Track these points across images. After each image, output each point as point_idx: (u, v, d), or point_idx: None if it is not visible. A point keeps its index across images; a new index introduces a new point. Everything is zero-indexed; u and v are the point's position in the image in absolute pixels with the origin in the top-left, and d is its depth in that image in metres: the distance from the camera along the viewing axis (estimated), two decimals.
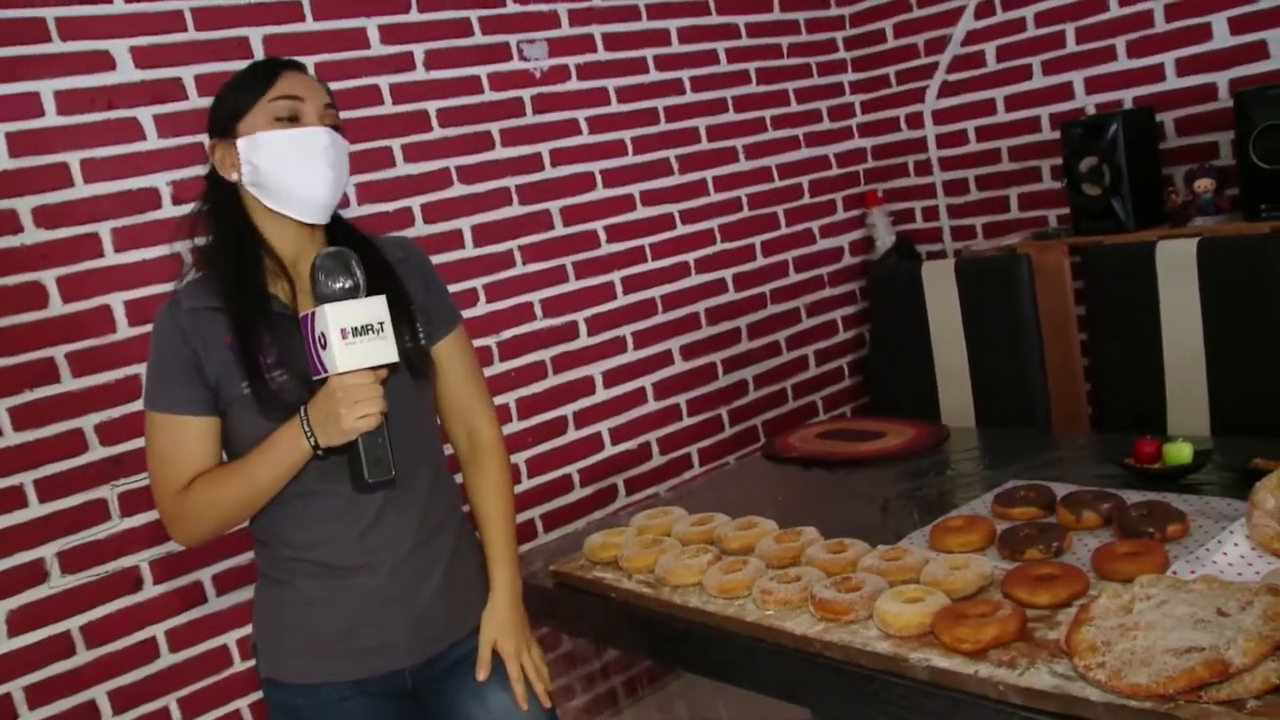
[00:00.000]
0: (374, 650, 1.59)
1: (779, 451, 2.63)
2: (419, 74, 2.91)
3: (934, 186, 3.89)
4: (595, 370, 3.25)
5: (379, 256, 1.62)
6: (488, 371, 3.00)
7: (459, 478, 1.80)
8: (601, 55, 3.29)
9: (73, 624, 2.35)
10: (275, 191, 1.54)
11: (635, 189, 3.36)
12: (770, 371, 3.71)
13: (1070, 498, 1.84)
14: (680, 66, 3.49)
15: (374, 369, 1.45)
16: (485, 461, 1.77)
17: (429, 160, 2.93)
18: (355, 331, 1.41)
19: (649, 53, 3.41)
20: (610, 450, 3.28)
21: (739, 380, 3.62)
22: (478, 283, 3.01)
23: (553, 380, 3.16)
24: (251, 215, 1.57)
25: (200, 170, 2.48)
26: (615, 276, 3.30)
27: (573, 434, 3.20)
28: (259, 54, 2.62)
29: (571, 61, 3.22)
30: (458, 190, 2.98)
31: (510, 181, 3.08)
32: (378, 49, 2.84)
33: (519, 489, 3.05)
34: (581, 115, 3.24)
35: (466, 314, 2.94)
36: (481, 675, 1.67)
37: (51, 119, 2.36)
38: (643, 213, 3.38)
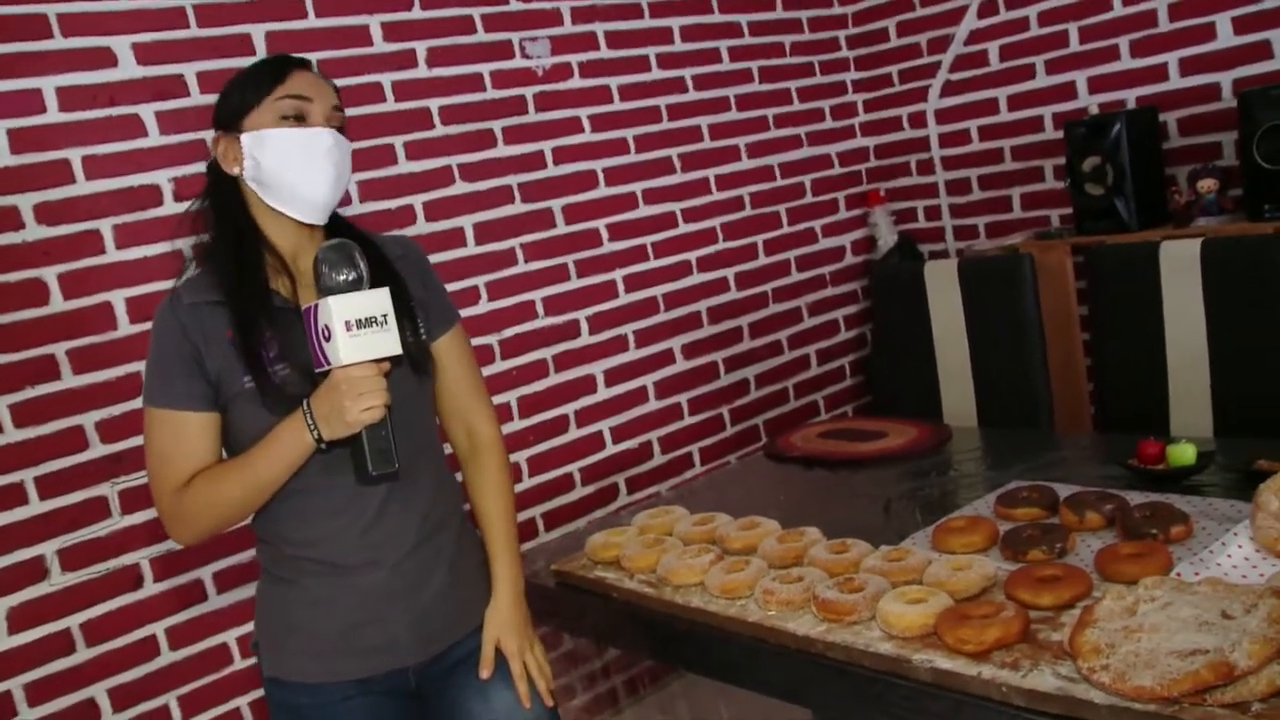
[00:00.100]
0: (378, 649, 1.59)
1: (781, 451, 2.63)
2: (421, 71, 2.91)
3: (936, 186, 3.88)
4: (597, 369, 3.24)
5: (379, 253, 1.62)
6: (489, 370, 3.00)
7: (458, 476, 1.80)
8: (604, 53, 3.28)
9: (73, 621, 2.35)
10: (276, 189, 1.54)
11: (637, 187, 3.36)
12: (772, 371, 3.70)
13: (1073, 498, 1.84)
14: (683, 65, 3.48)
15: (377, 361, 1.45)
16: (485, 460, 1.76)
17: (431, 158, 2.92)
18: (359, 323, 1.41)
19: (651, 51, 3.40)
20: (611, 449, 3.27)
21: (740, 379, 3.61)
22: (479, 281, 3.01)
23: (554, 379, 3.15)
24: (252, 210, 1.57)
25: (201, 167, 2.47)
26: (617, 275, 3.30)
27: (574, 432, 3.19)
28: (261, 51, 2.62)
29: (574, 59, 3.22)
30: (459, 188, 2.98)
31: (512, 179, 3.08)
32: (380, 46, 2.83)
33: (520, 488, 3.04)
34: (584, 113, 3.23)
35: (468, 312, 2.96)
36: (485, 673, 1.67)
37: (53, 115, 2.36)
38: (645, 211, 3.37)
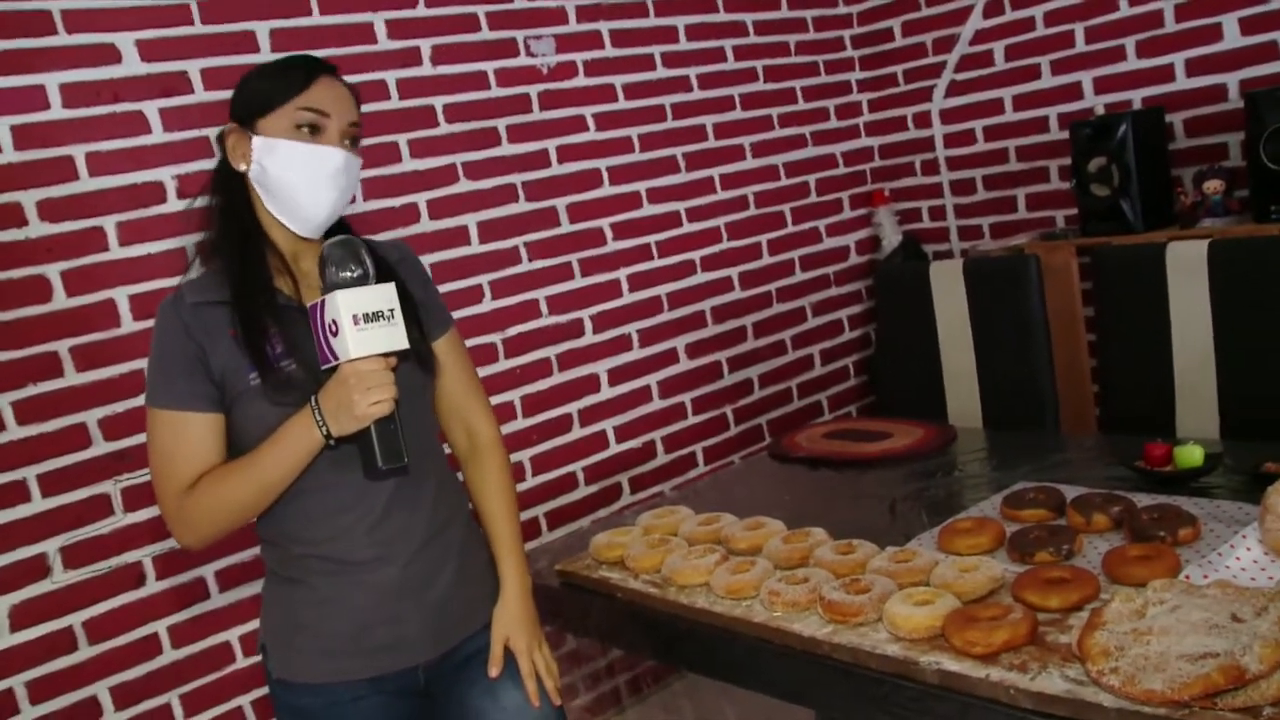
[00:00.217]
0: (388, 647, 1.58)
1: (785, 451, 2.62)
2: (426, 69, 2.90)
3: (941, 186, 3.88)
4: (600, 368, 3.24)
5: (378, 255, 1.61)
6: (493, 368, 2.99)
7: (458, 476, 1.80)
8: (609, 52, 3.28)
9: (75, 619, 2.35)
10: (278, 198, 1.54)
11: (642, 186, 3.35)
12: (775, 370, 3.70)
13: (1080, 500, 1.83)
14: (687, 64, 3.48)
15: (385, 356, 1.45)
16: (486, 460, 1.76)
17: (435, 156, 2.91)
18: (367, 318, 1.42)
19: (656, 50, 3.39)
20: (615, 448, 3.27)
21: (744, 379, 3.60)
22: (483, 279, 3.00)
23: (558, 378, 3.15)
24: (256, 209, 1.57)
25: (205, 165, 2.49)
26: (621, 274, 3.29)
27: (577, 431, 3.19)
28: (265, 48, 2.62)
29: (579, 58, 3.21)
30: (464, 186, 2.97)
31: (516, 178, 3.07)
32: (385, 44, 2.82)
33: (523, 487, 3.04)
34: (588, 112, 3.23)
35: (472, 310, 2.96)
36: (494, 671, 1.66)
37: (57, 112, 2.35)
38: (649, 210, 3.36)
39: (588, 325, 3.21)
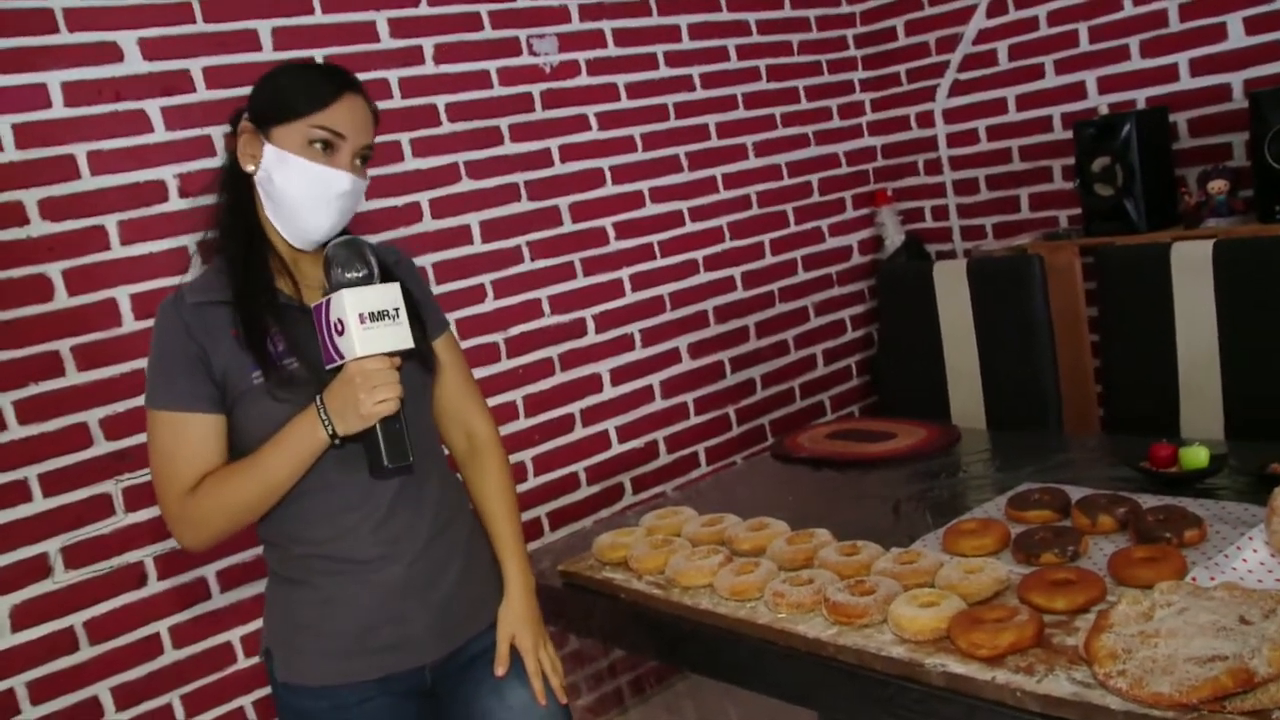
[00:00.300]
0: (393, 647, 1.58)
1: (788, 451, 2.61)
2: (428, 68, 2.89)
3: (944, 186, 3.87)
4: (603, 368, 3.23)
5: (379, 256, 1.61)
6: (495, 368, 2.99)
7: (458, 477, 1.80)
8: (611, 51, 3.27)
9: (76, 619, 2.34)
10: (279, 208, 1.54)
11: (644, 185, 3.34)
12: (778, 370, 3.69)
13: (1085, 501, 1.82)
14: (690, 63, 3.47)
15: (390, 355, 1.45)
16: (485, 461, 1.77)
17: (437, 155, 2.91)
18: (373, 316, 1.42)
19: (659, 49, 3.39)
20: (617, 448, 3.26)
21: (746, 379, 3.60)
22: (485, 279, 2.99)
23: (560, 377, 3.14)
24: (259, 211, 1.57)
25: (207, 164, 2.49)
26: (623, 273, 3.28)
27: (579, 431, 3.18)
28: (268, 47, 2.61)
29: (581, 57, 3.20)
30: (466, 185, 2.96)
31: (519, 177, 3.06)
32: (387, 42, 2.82)
33: (525, 487, 3.04)
34: (591, 111, 3.22)
35: (473, 310, 2.96)
36: (500, 670, 1.66)
37: (58, 110, 2.34)
38: (651, 209, 3.36)
39: (590, 325, 3.21)
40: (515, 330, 3.05)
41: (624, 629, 1.95)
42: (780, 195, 3.72)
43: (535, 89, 3.10)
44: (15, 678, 2.25)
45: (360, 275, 1.44)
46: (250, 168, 1.53)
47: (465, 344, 2.90)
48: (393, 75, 2.82)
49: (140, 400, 2.34)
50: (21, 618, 2.27)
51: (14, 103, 2.29)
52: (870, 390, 3.95)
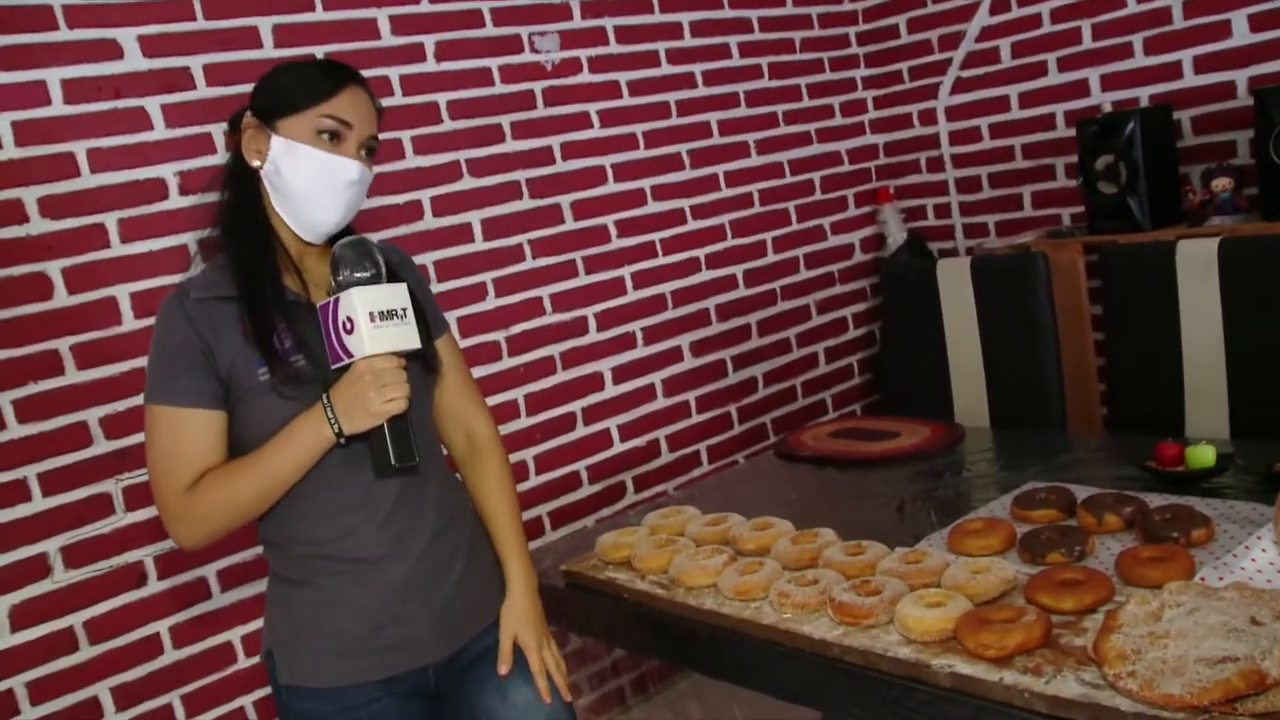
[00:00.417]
0: (397, 647, 1.57)
1: (791, 450, 2.60)
2: (429, 65, 2.88)
3: (946, 183, 3.86)
4: (604, 366, 3.22)
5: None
6: (496, 366, 2.98)
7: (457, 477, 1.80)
8: (613, 48, 3.26)
9: (75, 619, 2.33)
10: (288, 201, 1.53)
11: (646, 183, 3.33)
12: (780, 369, 3.68)
13: (1091, 500, 1.81)
14: (692, 60, 3.46)
15: (397, 354, 1.45)
16: (485, 461, 1.77)
17: (439, 153, 2.90)
18: (382, 315, 1.43)
19: (661, 46, 3.37)
20: (619, 447, 3.25)
21: (748, 377, 3.58)
22: (487, 277, 2.98)
23: (561, 376, 3.13)
24: (266, 206, 1.56)
25: (207, 161, 2.48)
26: (625, 272, 3.27)
27: (581, 430, 3.17)
28: (268, 44, 2.60)
29: (583, 54, 3.19)
30: (468, 183, 2.95)
31: (520, 175, 3.05)
32: (388, 40, 2.80)
33: (527, 485, 3.02)
34: (593, 108, 3.21)
35: (475, 308, 2.95)
36: (503, 669, 1.66)
37: (58, 108, 2.33)
38: (653, 207, 3.34)
39: (591, 323, 3.20)
40: (516, 328, 3.04)
41: (628, 629, 1.94)
42: (782, 193, 3.71)
43: (537, 86, 3.09)
44: (14, 678, 2.24)
45: (368, 275, 1.44)
46: (256, 163, 1.53)
47: (466, 342, 2.89)
48: (394, 72, 2.81)
49: (141, 399, 2.34)
50: (21, 618, 2.26)
51: (13, 100, 2.27)
52: (872, 389, 3.94)
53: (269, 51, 2.59)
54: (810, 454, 2.54)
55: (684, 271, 3.42)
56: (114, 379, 2.38)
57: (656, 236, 3.35)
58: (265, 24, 2.60)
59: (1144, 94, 3.27)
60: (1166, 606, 1.35)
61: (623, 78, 3.28)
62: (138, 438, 2.38)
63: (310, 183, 1.51)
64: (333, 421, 1.44)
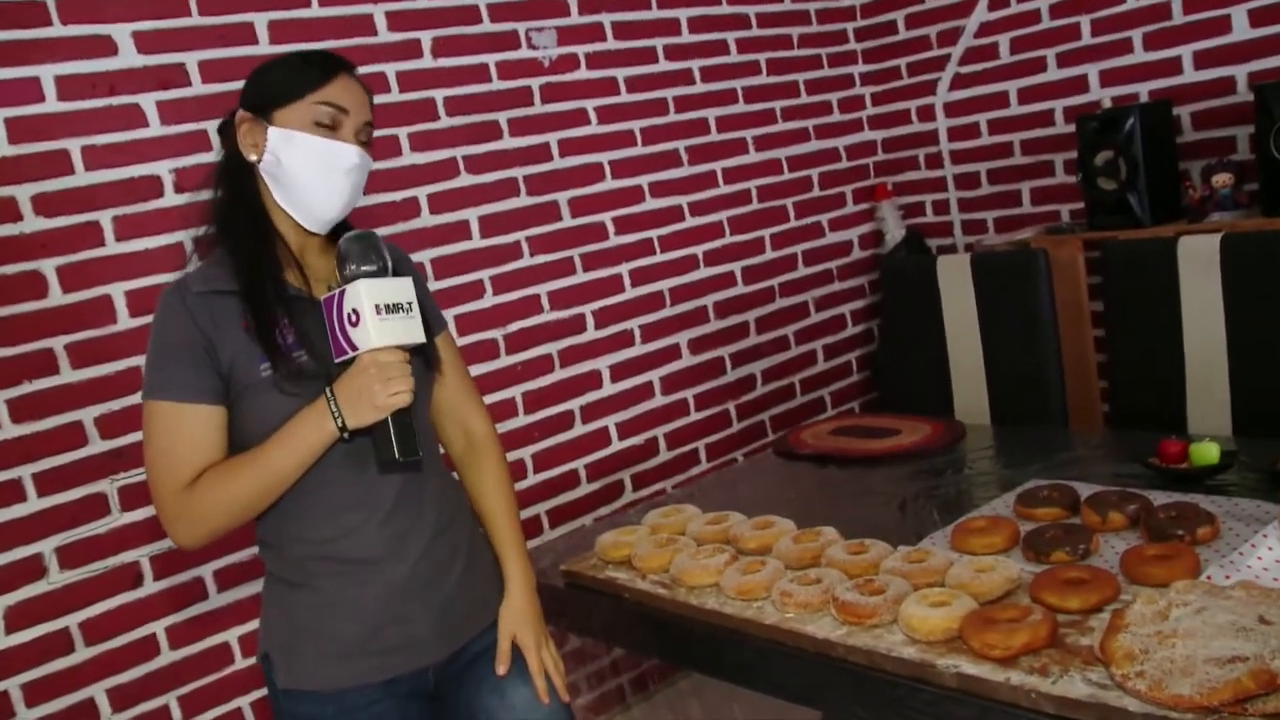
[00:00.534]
0: (398, 648, 1.55)
1: (792, 448, 2.59)
2: (426, 61, 2.86)
3: (945, 180, 3.84)
4: (602, 364, 3.20)
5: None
6: (494, 364, 2.97)
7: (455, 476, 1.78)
8: (611, 44, 3.24)
9: (71, 620, 2.31)
10: (289, 191, 1.52)
11: (644, 180, 3.31)
12: (778, 366, 3.67)
13: (1095, 498, 1.80)
14: (690, 56, 3.44)
15: (402, 348, 1.45)
16: (483, 460, 1.76)
17: (436, 149, 2.88)
18: (388, 308, 1.42)
19: (659, 42, 3.36)
20: (617, 445, 3.24)
21: (747, 375, 3.57)
22: (484, 274, 2.97)
23: (559, 374, 3.11)
24: (265, 200, 1.55)
25: (203, 158, 2.46)
26: (623, 269, 3.26)
27: (579, 428, 3.15)
28: (264, 40, 2.58)
29: (580, 50, 3.17)
30: (465, 180, 2.93)
31: (518, 172, 3.03)
32: (385, 35, 2.79)
33: (525, 484, 3.01)
34: (590, 105, 3.19)
35: (472, 306, 2.93)
36: (502, 669, 1.65)
37: (52, 104, 2.31)
38: (651, 204, 3.33)
39: (589, 321, 3.18)
40: (514, 326, 3.02)
41: (628, 629, 1.93)
42: (780, 190, 3.70)
43: (534, 83, 3.07)
44: (10, 680, 2.23)
45: (375, 268, 1.43)
46: (253, 156, 1.52)
47: (464, 340, 2.88)
48: (390, 69, 2.80)
49: (136, 398, 2.33)
50: (16, 619, 2.24)
51: (6, 97, 2.25)
52: (870, 386, 3.93)
53: (264, 47, 2.57)
54: (810, 452, 2.53)
55: (682, 268, 3.41)
56: (109, 378, 2.37)
57: (654, 233, 3.33)
58: (260, 20, 2.58)
59: (1144, 89, 3.26)
60: (1174, 605, 1.34)
61: (620, 74, 3.26)
62: (133, 437, 2.37)
63: (311, 170, 1.50)
64: (336, 415, 1.42)
